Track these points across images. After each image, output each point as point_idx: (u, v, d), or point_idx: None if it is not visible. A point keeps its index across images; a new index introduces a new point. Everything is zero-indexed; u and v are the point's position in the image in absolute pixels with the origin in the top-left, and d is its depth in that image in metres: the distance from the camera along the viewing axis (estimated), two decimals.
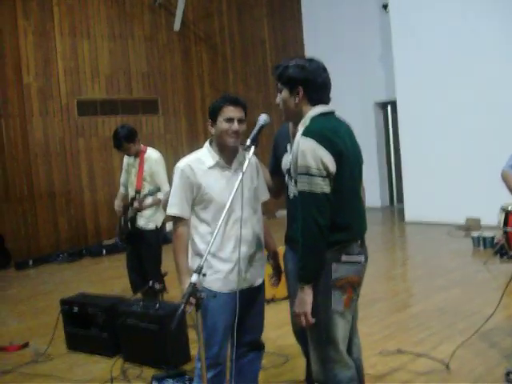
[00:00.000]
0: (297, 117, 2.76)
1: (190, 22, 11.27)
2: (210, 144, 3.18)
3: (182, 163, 3.12)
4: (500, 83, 8.72)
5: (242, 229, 3.01)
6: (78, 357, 4.86)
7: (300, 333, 3.21)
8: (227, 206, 2.60)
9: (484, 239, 7.76)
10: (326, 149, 2.54)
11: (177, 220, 3.09)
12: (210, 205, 3.07)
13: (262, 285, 3.33)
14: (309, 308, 2.60)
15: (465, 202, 9.18)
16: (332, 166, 2.56)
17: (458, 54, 9.22)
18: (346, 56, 11.81)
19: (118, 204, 5.48)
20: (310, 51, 12.14)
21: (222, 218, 2.56)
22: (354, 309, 2.82)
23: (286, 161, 3.12)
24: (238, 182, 2.67)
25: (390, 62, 10.67)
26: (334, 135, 2.61)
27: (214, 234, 2.51)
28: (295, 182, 2.67)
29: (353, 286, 2.71)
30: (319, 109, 2.71)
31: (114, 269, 7.61)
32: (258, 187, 3.23)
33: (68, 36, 9.73)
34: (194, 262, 3.04)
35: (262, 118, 2.91)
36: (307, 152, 2.54)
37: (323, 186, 2.54)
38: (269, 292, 5.55)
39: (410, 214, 10.37)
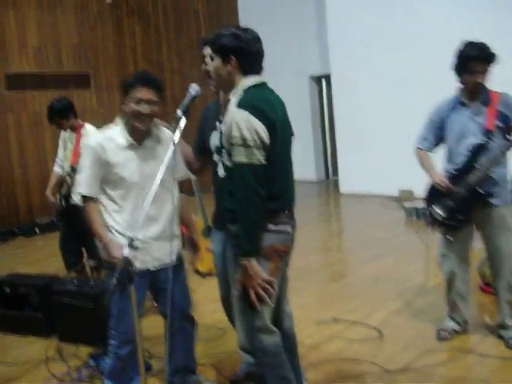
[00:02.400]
0: (228, 86, 2.73)
1: None
2: (122, 120, 3.09)
3: (93, 141, 3.03)
4: (434, 58, 8.86)
5: (154, 208, 2.96)
6: (11, 339, 4.73)
7: (228, 307, 3.22)
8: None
9: (416, 210, 7.97)
10: (260, 120, 2.54)
11: (86, 199, 3.03)
12: (120, 184, 3.01)
13: (180, 263, 3.29)
14: (263, 274, 2.60)
15: (398, 174, 9.39)
16: (266, 137, 2.56)
17: (393, 28, 9.33)
18: (281, 29, 11.79)
19: (48, 193, 5.37)
20: (244, 22, 12.02)
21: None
22: (281, 278, 2.83)
23: (215, 138, 3.07)
24: (166, 157, 2.59)
25: (324, 35, 10.70)
26: (267, 106, 2.61)
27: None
28: (228, 154, 2.65)
29: (280, 255, 2.72)
30: (252, 79, 2.69)
31: (49, 247, 7.42)
32: (173, 165, 3.18)
33: None
34: None
35: (194, 89, 2.77)
36: (241, 123, 2.52)
37: (259, 157, 2.54)
38: (206, 266, 5.61)
39: (345, 186, 10.54)
